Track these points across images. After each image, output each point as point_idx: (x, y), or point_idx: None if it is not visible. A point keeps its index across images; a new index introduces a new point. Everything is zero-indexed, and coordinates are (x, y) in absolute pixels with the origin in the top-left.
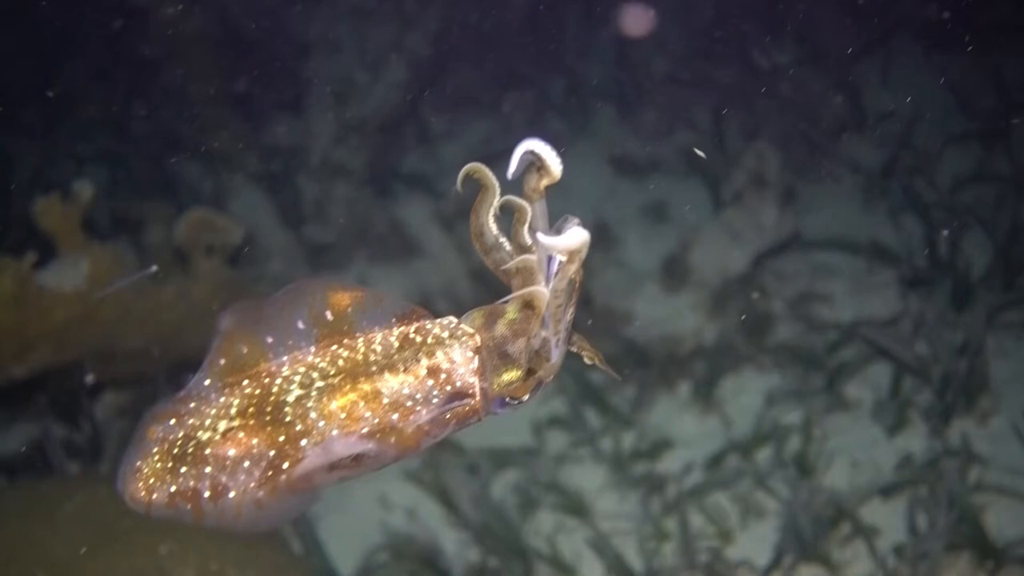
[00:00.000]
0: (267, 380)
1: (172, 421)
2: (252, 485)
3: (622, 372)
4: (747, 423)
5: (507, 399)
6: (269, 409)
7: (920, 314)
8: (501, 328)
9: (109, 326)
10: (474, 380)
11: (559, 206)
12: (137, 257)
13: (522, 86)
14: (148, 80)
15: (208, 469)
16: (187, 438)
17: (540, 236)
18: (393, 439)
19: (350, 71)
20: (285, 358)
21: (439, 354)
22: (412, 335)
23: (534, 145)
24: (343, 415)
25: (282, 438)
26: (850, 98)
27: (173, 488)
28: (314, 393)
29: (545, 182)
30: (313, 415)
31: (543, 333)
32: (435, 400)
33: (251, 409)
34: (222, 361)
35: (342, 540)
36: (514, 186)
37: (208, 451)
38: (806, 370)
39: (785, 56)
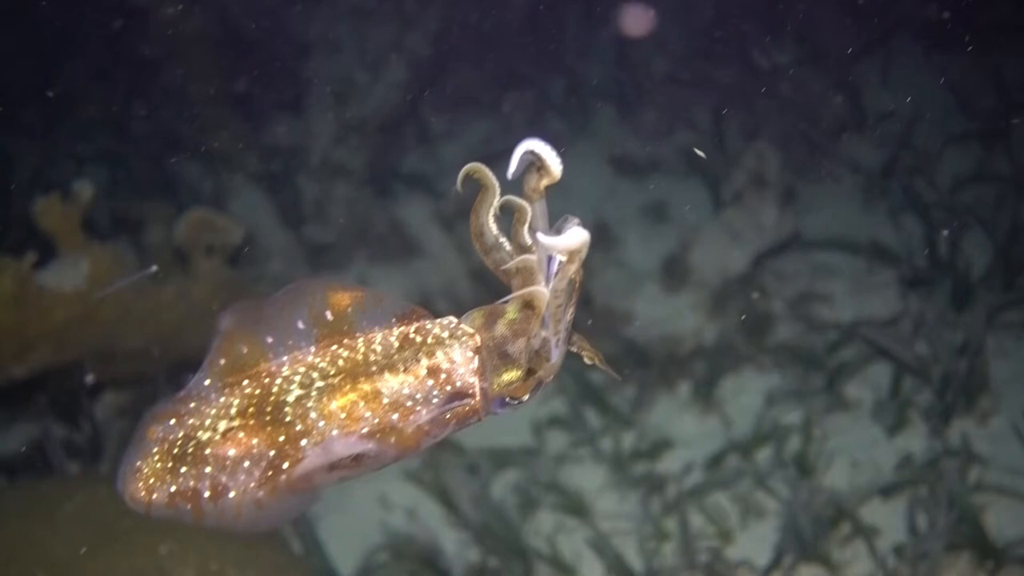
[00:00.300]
0: (267, 380)
1: (172, 421)
2: (252, 485)
3: (622, 372)
4: (747, 423)
5: (507, 399)
6: (269, 409)
7: (920, 314)
8: (501, 328)
9: (109, 326)
10: (474, 380)
11: (559, 206)
12: (137, 257)
13: (522, 86)
14: (148, 80)
15: (208, 469)
16: (187, 438)
17: (540, 236)
18: (393, 439)
19: (350, 71)
20: (285, 358)
21: (439, 354)
22: (412, 335)
23: (534, 145)
24: (343, 415)
25: (282, 438)
26: (850, 98)
27: (173, 488)
28: (314, 393)
29: (545, 182)
30: (313, 415)
31: (543, 333)
32: (435, 400)
33: (251, 409)
34: (222, 361)
35: (342, 540)
36: (514, 186)
37: (208, 451)
38: (806, 370)
39: (785, 56)
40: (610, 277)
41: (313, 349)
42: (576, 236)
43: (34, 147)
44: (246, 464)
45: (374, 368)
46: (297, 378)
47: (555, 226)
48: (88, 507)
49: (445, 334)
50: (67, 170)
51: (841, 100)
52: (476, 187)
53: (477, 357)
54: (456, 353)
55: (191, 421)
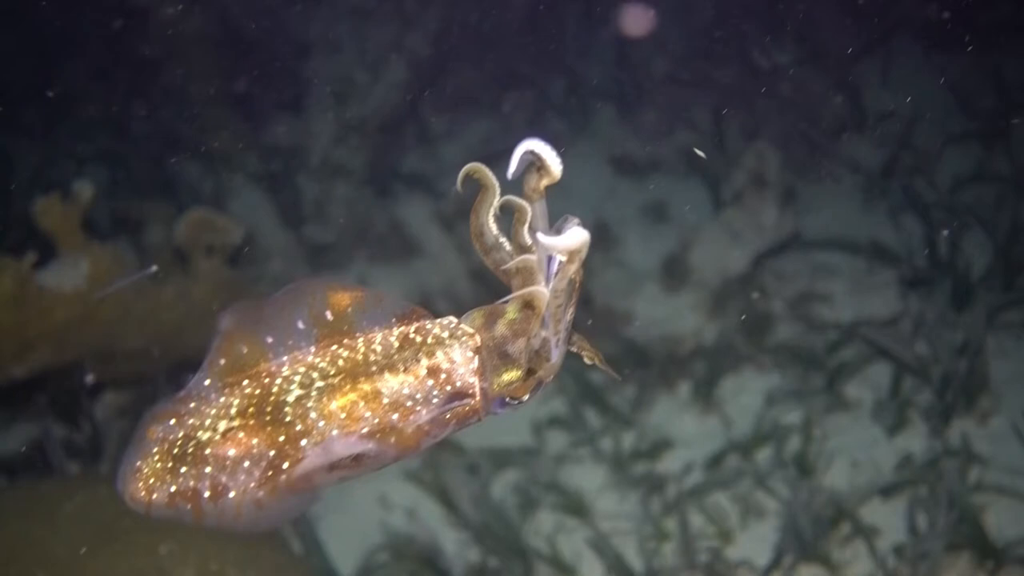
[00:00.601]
0: (267, 380)
1: (172, 421)
2: (252, 485)
3: (622, 372)
4: (747, 423)
5: (507, 399)
6: (269, 409)
7: (920, 314)
8: (501, 328)
9: (109, 326)
10: (474, 380)
11: (559, 206)
12: (137, 257)
13: (522, 86)
14: (148, 80)
15: (208, 469)
16: (187, 438)
17: (540, 236)
18: (393, 439)
19: (350, 71)
20: (285, 358)
21: (439, 354)
22: (412, 335)
23: (534, 145)
24: (343, 415)
25: (282, 438)
26: (850, 98)
27: (173, 488)
28: (314, 393)
29: (545, 182)
30: (313, 415)
31: (543, 333)
32: (435, 400)
33: (251, 409)
34: (222, 361)
35: (342, 540)
36: (514, 186)
37: (208, 451)
38: (806, 370)
39: (785, 56)
40: (610, 277)
41: (313, 349)
42: (576, 236)
43: (34, 147)
44: (246, 464)
45: (374, 368)
46: (297, 378)
47: (555, 226)
48: (88, 507)
49: (445, 334)
50: (67, 170)
51: (841, 100)
52: (476, 187)
53: (477, 357)
54: (456, 353)
55: (191, 421)
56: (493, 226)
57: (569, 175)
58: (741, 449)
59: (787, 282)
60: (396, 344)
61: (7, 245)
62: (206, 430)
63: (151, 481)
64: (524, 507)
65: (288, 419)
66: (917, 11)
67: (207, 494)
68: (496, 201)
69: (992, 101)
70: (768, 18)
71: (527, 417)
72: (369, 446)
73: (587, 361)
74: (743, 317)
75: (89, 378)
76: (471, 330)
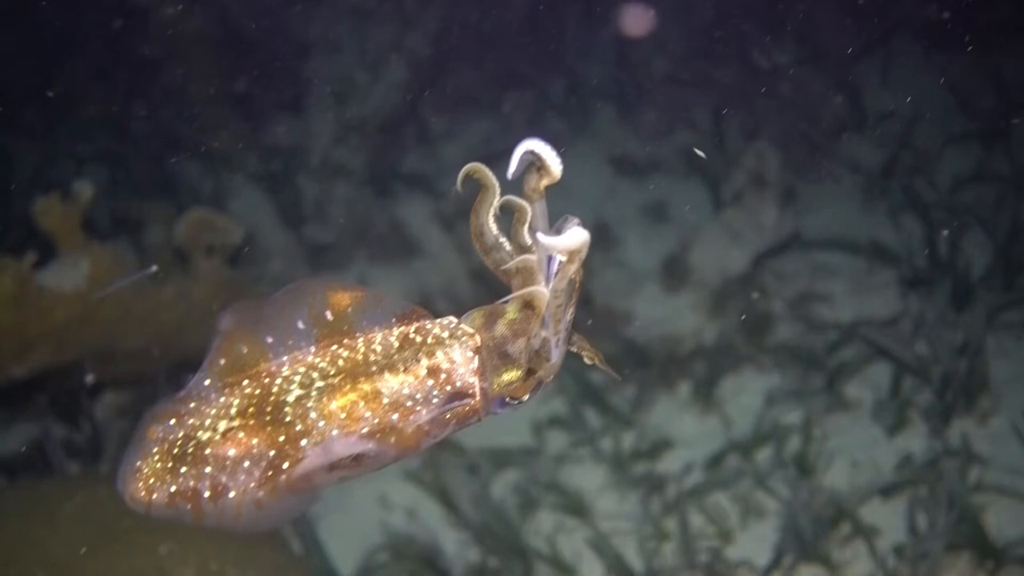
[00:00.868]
0: (267, 380)
1: (172, 421)
2: (252, 485)
3: (622, 372)
4: (747, 423)
5: (507, 399)
6: (269, 409)
7: (920, 314)
8: (501, 328)
9: (109, 326)
10: (474, 380)
11: (559, 206)
12: (137, 257)
13: (522, 86)
14: (148, 80)
15: (208, 469)
16: (187, 438)
17: (540, 236)
18: (393, 439)
19: (350, 71)
20: (285, 358)
21: (439, 354)
22: (412, 335)
23: (534, 145)
24: (343, 415)
25: (282, 438)
26: (850, 98)
27: (173, 488)
28: (314, 393)
29: (545, 182)
30: (313, 415)
31: (543, 333)
32: (435, 400)
33: (251, 409)
34: (222, 361)
35: (342, 540)
36: (514, 186)
37: (208, 451)
38: (806, 370)
39: (785, 56)
40: (610, 277)
41: (313, 349)
42: (576, 236)
43: (34, 147)
44: (246, 464)
45: (374, 368)
46: (297, 378)
47: (555, 226)
48: (88, 507)
49: (445, 334)
50: (67, 170)
51: (841, 100)
52: (476, 187)
53: (477, 357)
54: (456, 353)
55: (191, 421)
56: (493, 226)
57: (569, 175)
58: (741, 449)
59: (787, 282)
60: (396, 344)
61: (7, 245)
62: (206, 430)
63: (151, 481)
64: (524, 507)
65: (288, 419)
66: (917, 11)
67: (207, 494)
68: (496, 201)
69: (992, 101)
70: (768, 18)
71: (527, 417)
72: (369, 446)
73: (587, 361)
74: (743, 317)
75: (89, 378)
76: (471, 330)
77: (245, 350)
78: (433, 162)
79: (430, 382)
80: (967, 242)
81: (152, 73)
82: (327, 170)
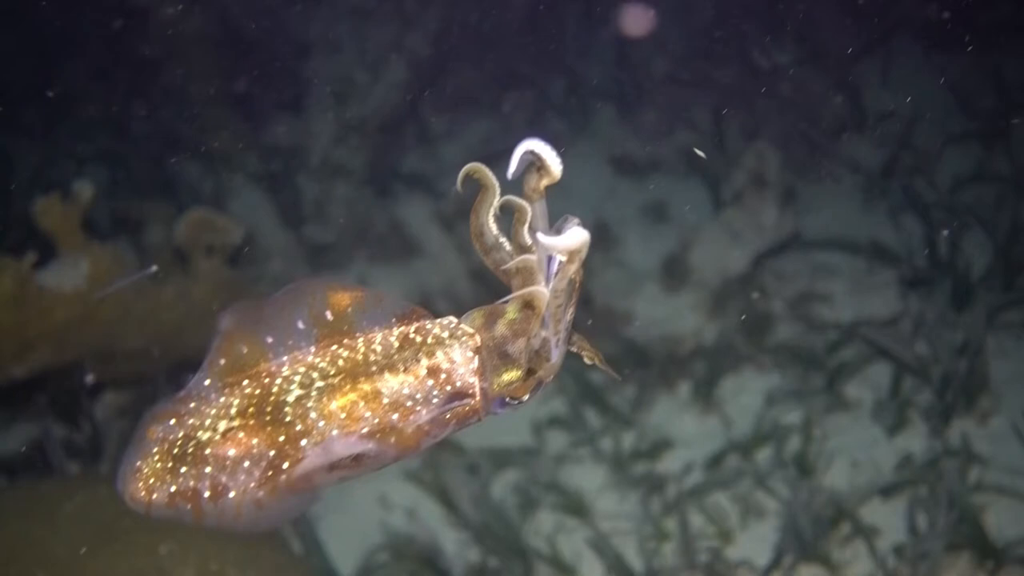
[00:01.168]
0: (267, 380)
1: (172, 421)
2: (252, 485)
3: (622, 372)
4: (747, 423)
5: (507, 399)
6: (269, 409)
7: (920, 314)
8: (501, 328)
9: (109, 326)
10: (474, 380)
11: (559, 206)
12: (137, 257)
13: (522, 86)
14: (148, 80)
15: (208, 469)
16: (187, 438)
17: (540, 236)
18: (393, 439)
19: (350, 71)
20: (285, 358)
21: (439, 354)
22: (412, 335)
23: (534, 145)
24: (343, 415)
25: (282, 438)
26: (850, 98)
27: (173, 488)
28: (314, 393)
29: (545, 182)
30: (313, 415)
31: (543, 333)
32: (435, 400)
33: (251, 409)
34: (222, 361)
35: (342, 540)
36: (514, 186)
37: (208, 451)
38: (806, 370)
39: (785, 56)
40: (610, 277)
41: (313, 349)
42: (576, 236)
43: (34, 147)
44: (246, 464)
45: (374, 368)
46: (297, 378)
47: (555, 226)
48: (88, 507)
49: (445, 334)
50: (67, 170)
51: (841, 100)
52: (476, 187)
53: (477, 357)
54: (456, 353)
55: (191, 421)
56: (493, 226)
57: (569, 175)
58: (741, 449)
59: (787, 282)
60: (396, 344)
61: (7, 245)
62: (206, 430)
63: (151, 481)
64: (524, 507)
65: (288, 419)
66: (917, 11)
67: (207, 494)
68: (496, 201)
69: (992, 101)
70: (768, 18)
71: (527, 417)
72: (369, 446)
73: (587, 361)
74: (743, 317)
75: (89, 378)
76: (471, 330)
77: (245, 350)
78: (433, 162)
79: (430, 382)
80: (967, 242)
81: (152, 73)
82: (327, 170)
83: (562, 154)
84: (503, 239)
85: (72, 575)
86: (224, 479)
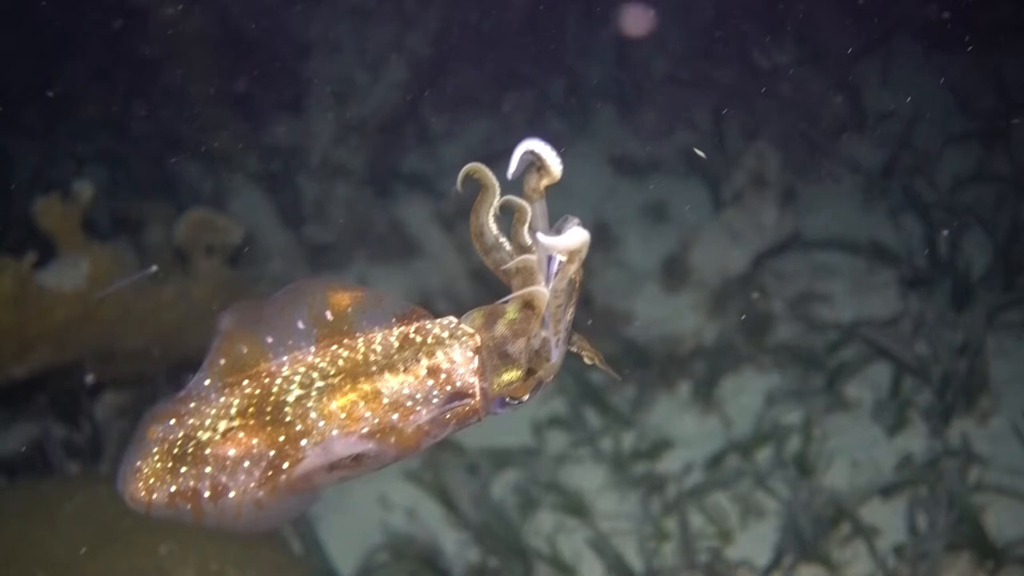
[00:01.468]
0: (267, 380)
1: (172, 421)
2: (252, 485)
3: (622, 372)
4: (747, 423)
5: (507, 399)
6: (269, 409)
7: (920, 314)
8: (501, 328)
9: (109, 326)
10: (474, 380)
11: (559, 206)
12: (137, 257)
13: (522, 86)
14: (148, 80)
15: (208, 469)
16: (187, 438)
17: (540, 236)
18: (393, 439)
19: (350, 71)
20: (285, 358)
21: (439, 354)
22: (412, 335)
23: (534, 145)
24: (343, 415)
25: (282, 438)
26: (850, 98)
27: (173, 488)
28: (314, 393)
29: (545, 182)
30: (313, 415)
31: (543, 333)
32: (435, 400)
33: (251, 409)
34: (222, 361)
35: (342, 540)
36: (514, 186)
37: (208, 451)
38: (806, 370)
39: (785, 56)
40: (610, 277)
41: (313, 349)
42: (576, 236)
43: (34, 147)
44: (246, 464)
45: (374, 368)
46: (297, 378)
47: (555, 226)
48: (88, 507)
49: (445, 334)
50: (67, 170)
51: (841, 100)
52: (476, 187)
53: (477, 357)
54: (456, 353)
55: (191, 421)
56: (493, 226)
57: (569, 175)
58: (741, 449)
59: (787, 282)
60: (396, 344)
61: (7, 245)
62: (206, 430)
63: (151, 481)
64: (524, 507)
65: (288, 419)
66: (917, 11)
67: (207, 494)
68: (496, 201)
69: (992, 101)
70: (768, 18)
71: (527, 417)
72: (369, 446)
73: (587, 361)
74: (743, 317)
75: (89, 378)
76: (471, 330)
77: (245, 350)
78: (433, 162)
79: (430, 382)
80: (967, 242)
81: (152, 73)
82: (327, 170)
83: (562, 154)
84: (503, 239)
85: (72, 575)
86: (224, 479)
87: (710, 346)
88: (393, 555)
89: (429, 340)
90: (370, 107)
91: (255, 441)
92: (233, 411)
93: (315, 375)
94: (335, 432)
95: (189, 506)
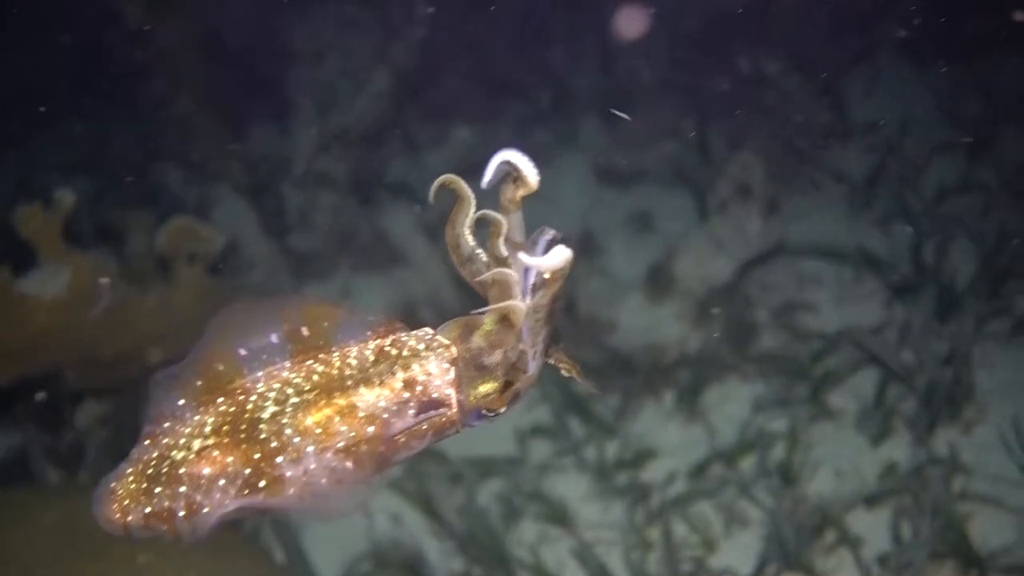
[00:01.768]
0: (242, 397)
1: (146, 442)
2: (227, 503)
3: (606, 381)
4: (731, 432)
5: (484, 411)
6: (244, 427)
7: (906, 323)
8: (478, 340)
9: (90, 334)
10: (450, 392)
11: (544, 215)
12: (119, 265)
13: (508, 95)
14: (131, 89)
15: (183, 488)
16: (161, 458)
17: (523, 256)
18: (370, 452)
19: (334, 80)
20: (260, 374)
21: (415, 366)
22: (388, 348)
23: (510, 155)
24: (319, 430)
25: (257, 455)
26: (835, 108)
27: (148, 509)
28: (289, 409)
29: (521, 193)
30: (288, 431)
31: (520, 346)
32: (411, 412)
33: (225, 427)
34: (197, 381)
35: (326, 549)
36: (492, 195)
37: (183, 470)
38: (790, 379)
39: (771, 66)
40: (594, 286)
41: (288, 364)
42: (560, 255)
43: (17, 157)
44: (221, 483)
45: (350, 382)
46: (272, 394)
47: (531, 237)
48: (67, 517)
49: (421, 346)
50: (51, 179)
51: (826, 110)
52: (452, 197)
53: (453, 369)
54: (432, 365)
55: (165, 440)
56: (469, 238)
57: (555, 184)
58: (725, 458)
59: (772, 291)
60: (372, 357)
61: None
62: (180, 449)
63: (126, 503)
64: (508, 516)
65: (263, 436)
66: (903, 22)
67: (182, 513)
68: (472, 213)
69: (977, 111)
70: (754, 28)
71: (511, 426)
72: (346, 461)
73: (564, 374)
74: (727, 326)
75: (70, 386)
76: (447, 342)
77: (220, 367)
78: (418, 171)
79: (406, 395)
80: (953, 251)
81: (135, 82)
82: (311, 179)
83: (547, 163)
84: (479, 251)
85: None
86: (199, 498)
87: (694, 355)
88: (376, 564)
89: (405, 352)
90: (354, 116)
91: (230, 459)
92: (208, 429)
93: (290, 391)
94: (311, 448)
95: (164, 526)
